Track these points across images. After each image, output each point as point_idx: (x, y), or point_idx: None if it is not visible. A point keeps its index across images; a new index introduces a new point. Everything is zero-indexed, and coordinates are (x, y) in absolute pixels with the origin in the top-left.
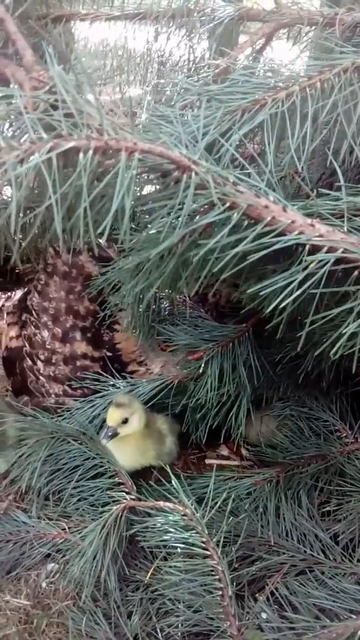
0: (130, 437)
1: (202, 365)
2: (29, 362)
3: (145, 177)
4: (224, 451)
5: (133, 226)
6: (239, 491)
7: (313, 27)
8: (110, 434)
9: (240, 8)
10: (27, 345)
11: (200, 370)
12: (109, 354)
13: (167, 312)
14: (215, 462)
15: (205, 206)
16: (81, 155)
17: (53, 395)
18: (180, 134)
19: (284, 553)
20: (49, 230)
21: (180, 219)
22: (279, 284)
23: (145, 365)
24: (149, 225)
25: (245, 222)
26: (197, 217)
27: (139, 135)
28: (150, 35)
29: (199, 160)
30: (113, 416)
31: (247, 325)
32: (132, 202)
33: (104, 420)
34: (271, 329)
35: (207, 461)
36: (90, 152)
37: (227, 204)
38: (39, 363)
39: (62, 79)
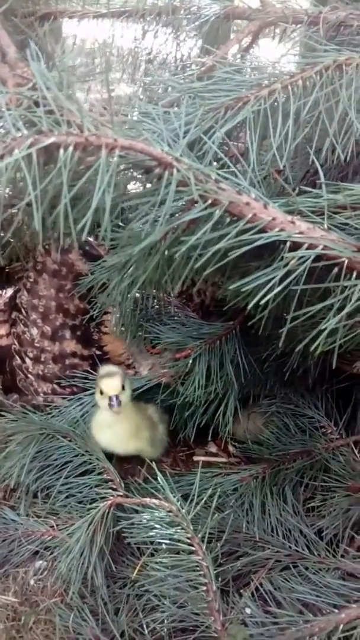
0: (124, 419)
1: (190, 363)
2: (18, 361)
3: (130, 174)
4: (212, 448)
5: (120, 223)
6: (225, 487)
7: (298, 26)
8: (118, 401)
9: (226, 6)
10: (16, 343)
11: (188, 369)
12: (98, 352)
13: (154, 311)
14: (202, 459)
15: (188, 203)
16: (61, 151)
17: (42, 394)
18: (162, 131)
19: (269, 549)
20: (30, 227)
21: (162, 216)
22: (260, 280)
23: (133, 368)
24: (133, 222)
25: (228, 219)
26: (180, 214)
27: (120, 132)
28: (138, 33)
29: (180, 157)
30: (112, 384)
31: (235, 323)
32: (114, 199)
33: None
34: (256, 326)
35: (195, 458)
36: (71, 148)
37: (209, 201)
38: (28, 361)
39: (43, 75)
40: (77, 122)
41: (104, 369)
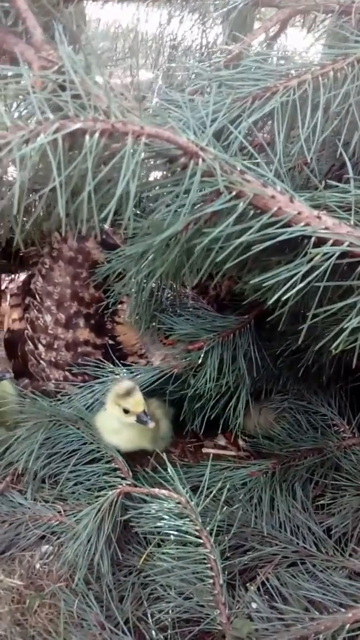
0: (130, 424)
1: (202, 355)
2: (31, 346)
3: (152, 163)
4: (222, 441)
5: (138, 212)
6: (234, 481)
7: (329, 15)
8: (148, 415)
9: None
10: (29, 328)
11: (200, 361)
12: (111, 342)
13: (168, 302)
14: (212, 451)
15: (211, 194)
16: (87, 137)
17: (53, 381)
18: (189, 119)
19: (276, 544)
20: (53, 213)
21: (185, 206)
22: (282, 275)
23: (145, 358)
24: (154, 212)
25: (251, 212)
26: (202, 205)
27: (146, 119)
28: (163, 18)
29: (206, 146)
30: (138, 400)
31: (249, 316)
32: (137, 187)
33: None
34: (273, 321)
35: (204, 450)
36: (97, 134)
37: (234, 193)
38: (41, 347)
39: (71, 59)
40: (103, 108)
41: (120, 386)
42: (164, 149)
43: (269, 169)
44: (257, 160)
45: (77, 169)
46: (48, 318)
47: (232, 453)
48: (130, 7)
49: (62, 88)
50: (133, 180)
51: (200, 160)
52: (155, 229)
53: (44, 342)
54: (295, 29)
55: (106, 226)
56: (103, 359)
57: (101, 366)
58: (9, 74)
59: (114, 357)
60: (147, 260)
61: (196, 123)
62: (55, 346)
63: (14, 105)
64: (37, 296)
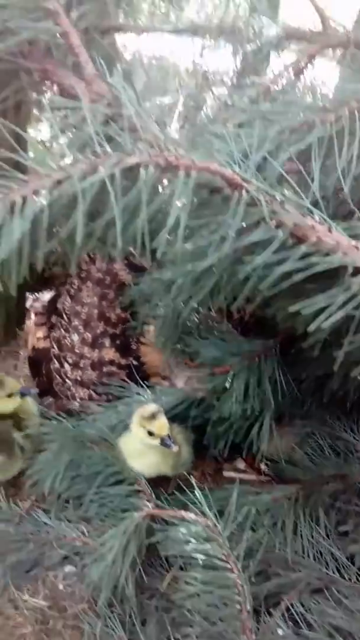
0: (155, 448)
1: (229, 379)
2: (57, 365)
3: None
4: (241, 464)
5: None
6: (257, 506)
7: None
8: (172, 439)
9: (287, 28)
10: (55, 347)
11: (227, 385)
12: (135, 362)
13: (194, 325)
14: (232, 475)
15: (251, 225)
16: (142, 171)
17: (78, 399)
18: (233, 152)
19: (300, 570)
20: (107, 239)
21: (228, 235)
22: (319, 304)
23: (168, 380)
24: (191, 240)
25: (290, 241)
26: (242, 235)
27: (194, 152)
28: (197, 49)
29: (250, 178)
30: (164, 423)
31: (275, 341)
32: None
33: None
34: (299, 346)
35: (225, 474)
36: (151, 168)
37: (274, 223)
38: (67, 366)
39: (127, 93)
40: (157, 143)
41: (145, 409)
42: (207, 180)
43: (306, 198)
44: (295, 191)
45: (132, 200)
46: (75, 337)
47: (253, 477)
48: (162, 37)
49: (111, 121)
50: (183, 211)
51: (244, 191)
52: (192, 257)
53: (70, 360)
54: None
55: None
56: (127, 379)
57: (126, 387)
58: (66, 105)
59: (138, 378)
60: (182, 286)
61: (239, 155)
62: (81, 365)
63: (65, 137)
64: (64, 316)
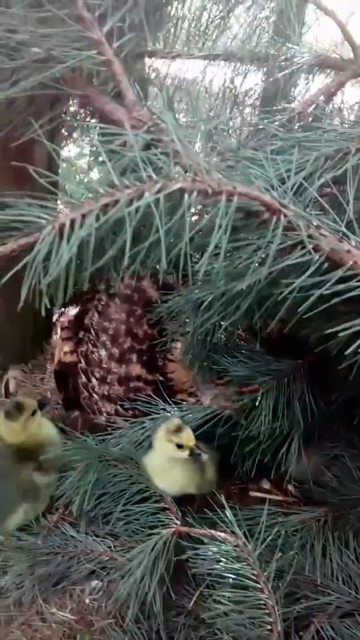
0: (178, 463)
1: (258, 398)
2: (84, 379)
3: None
4: (266, 485)
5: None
6: (285, 527)
7: None
8: (199, 450)
9: (319, 55)
10: (83, 362)
11: (257, 404)
12: (161, 378)
13: (222, 343)
14: (259, 495)
15: (287, 248)
16: (186, 196)
17: (105, 414)
18: (271, 177)
19: (329, 593)
20: (149, 261)
21: (266, 258)
22: (355, 327)
23: (194, 396)
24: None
25: (325, 265)
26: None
27: (233, 178)
28: (227, 75)
29: (287, 203)
30: (191, 435)
31: (304, 361)
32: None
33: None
34: (329, 368)
35: (252, 494)
36: (195, 193)
37: (311, 247)
38: (94, 381)
39: (171, 121)
40: (198, 168)
41: (171, 422)
42: (246, 205)
43: (341, 223)
44: (330, 216)
45: (175, 224)
46: (103, 352)
47: (279, 498)
48: (192, 62)
49: (149, 146)
50: (225, 235)
51: (282, 216)
52: (227, 277)
53: (97, 375)
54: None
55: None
56: (153, 395)
57: (152, 402)
58: (109, 132)
59: (164, 394)
60: (213, 305)
61: (276, 181)
62: (109, 380)
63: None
64: (92, 331)
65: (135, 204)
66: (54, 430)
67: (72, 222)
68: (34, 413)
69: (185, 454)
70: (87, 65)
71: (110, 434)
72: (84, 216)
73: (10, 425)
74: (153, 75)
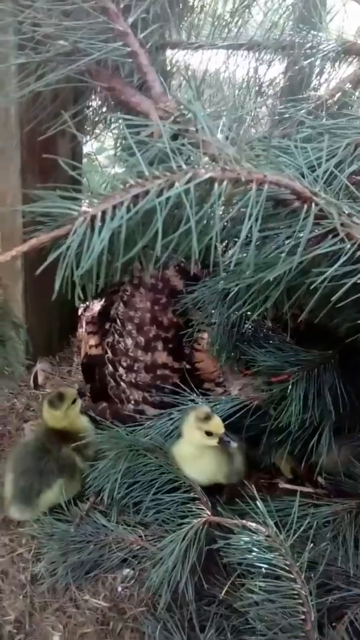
0: (207, 452)
1: (289, 388)
2: (111, 369)
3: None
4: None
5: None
6: (317, 518)
7: None
8: (229, 437)
9: (345, 42)
10: (109, 352)
11: (287, 394)
12: (188, 367)
13: (250, 334)
14: (289, 487)
15: (318, 236)
16: (216, 185)
17: (133, 402)
18: (302, 166)
19: None
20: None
21: (297, 247)
22: None
23: (222, 386)
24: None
25: (358, 253)
26: (307, 247)
27: (264, 167)
28: (251, 65)
29: (318, 191)
30: (220, 423)
31: (334, 351)
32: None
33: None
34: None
35: (282, 485)
36: (225, 182)
37: (342, 235)
38: (121, 369)
39: (200, 111)
40: (230, 158)
41: (200, 410)
42: (276, 193)
43: None
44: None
45: (206, 213)
46: (129, 341)
47: (310, 490)
48: (214, 53)
49: (176, 137)
50: (256, 224)
51: (314, 204)
52: (258, 267)
53: (124, 364)
54: None
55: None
56: (180, 383)
57: (180, 392)
58: (138, 123)
59: (191, 383)
60: (246, 295)
61: (307, 169)
62: (135, 368)
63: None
64: (118, 321)
65: (165, 194)
66: (88, 421)
67: (104, 213)
68: (74, 402)
69: (214, 441)
70: (112, 58)
71: (140, 424)
72: (114, 207)
73: (54, 413)
74: (175, 67)
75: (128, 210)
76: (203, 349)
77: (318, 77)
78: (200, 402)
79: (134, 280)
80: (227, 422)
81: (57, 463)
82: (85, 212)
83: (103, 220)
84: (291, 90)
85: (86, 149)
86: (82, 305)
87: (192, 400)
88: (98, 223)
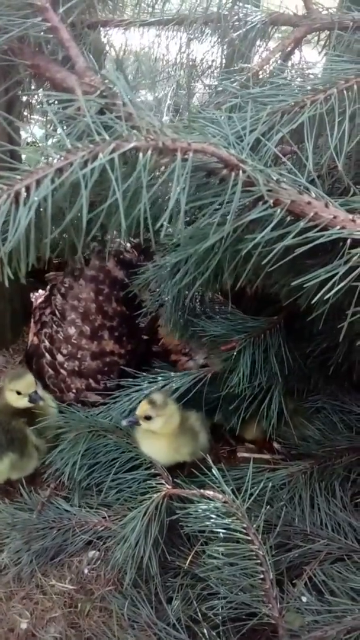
0: (163, 435)
1: (235, 355)
2: (48, 358)
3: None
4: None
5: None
6: (274, 482)
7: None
8: (130, 420)
9: (272, 13)
10: (46, 342)
11: (233, 360)
12: (155, 347)
13: (200, 308)
14: (246, 455)
15: (249, 203)
16: (140, 155)
17: (73, 391)
18: (228, 135)
19: (319, 541)
20: (111, 225)
21: (227, 215)
22: (320, 277)
23: (189, 356)
24: (194, 223)
25: (288, 218)
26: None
27: (190, 136)
28: (183, 41)
29: (245, 159)
30: (141, 408)
31: (279, 317)
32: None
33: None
34: (303, 322)
35: (239, 454)
36: (149, 152)
37: (272, 201)
38: (60, 357)
39: (123, 84)
40: (153, 128)
41: (155, 393)
42: (204, 163)
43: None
44: (288, 169)
45: (132, 184)
46: (72, 330)
47: (267, 457)
48: (146, 30)
49: (103, 111)
50: (183, 193)
51: (241, 171)
52: (193, 240)
53: (64, 352)
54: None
55: (128, 244)
56: (125, 367)
57: (138, 374)
58: (62, 99)
59: (131, 366)
60: (186, 269)
61: (234, 138)
62: (79, 356)
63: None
64: (56, 312)
65: (89, 165)
66: (53, 404)
67: (27, 188)
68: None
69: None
70: (33, 34)
71: (98, 407)
72: (38, 182)
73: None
74: (109, 45)
75: (53, 183)
76: (162, 325)
77: (252, 49)
78: (147, 383)
79: (74, 272)
80: (188, 394)
81: (7, 435)
82: (9, 189)
83: (28, 196)
84: (228, 64)
85: (24, 135)
86: (35, 294)
87: (151, 381)
88: (23, 199)
